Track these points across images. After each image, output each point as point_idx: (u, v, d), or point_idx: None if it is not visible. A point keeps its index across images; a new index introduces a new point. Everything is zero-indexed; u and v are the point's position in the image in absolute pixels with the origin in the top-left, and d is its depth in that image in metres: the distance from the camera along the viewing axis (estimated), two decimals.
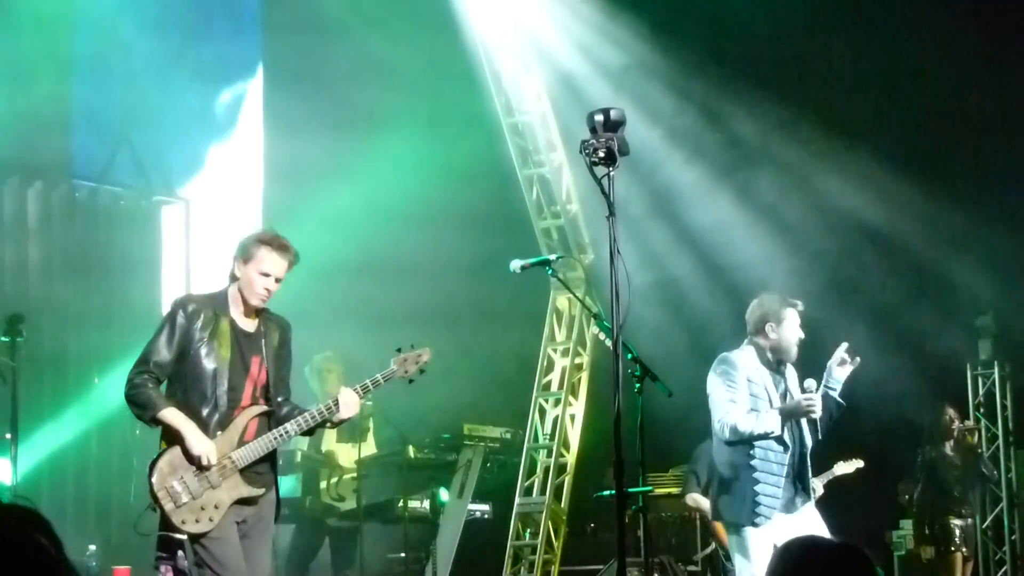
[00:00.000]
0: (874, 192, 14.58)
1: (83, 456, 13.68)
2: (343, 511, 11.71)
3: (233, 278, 7.39)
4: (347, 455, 11.76)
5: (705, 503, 11.31)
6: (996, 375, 15.07)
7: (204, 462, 7.05)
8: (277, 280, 7.34)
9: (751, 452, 8.42)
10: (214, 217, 15.07)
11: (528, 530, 14.71)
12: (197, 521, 7.06)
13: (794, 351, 8.62)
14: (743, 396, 8.47)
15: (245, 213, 15.15)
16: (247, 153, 15.64)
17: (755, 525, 8.35)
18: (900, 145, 14.81)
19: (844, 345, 8.61)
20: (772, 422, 8.33)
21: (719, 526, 10.84)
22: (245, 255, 7.32)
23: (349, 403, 7.39)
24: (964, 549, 12.65)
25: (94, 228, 14.45)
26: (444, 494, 12.28)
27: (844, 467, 12.08)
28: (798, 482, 8.55)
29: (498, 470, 13.23)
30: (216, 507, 7.11)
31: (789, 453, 8.48)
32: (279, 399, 7.45)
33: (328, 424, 7.65)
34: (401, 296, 14.07)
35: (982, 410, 15.10)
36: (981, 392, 15.18)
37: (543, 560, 14.48)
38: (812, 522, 8.47)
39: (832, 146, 14.76)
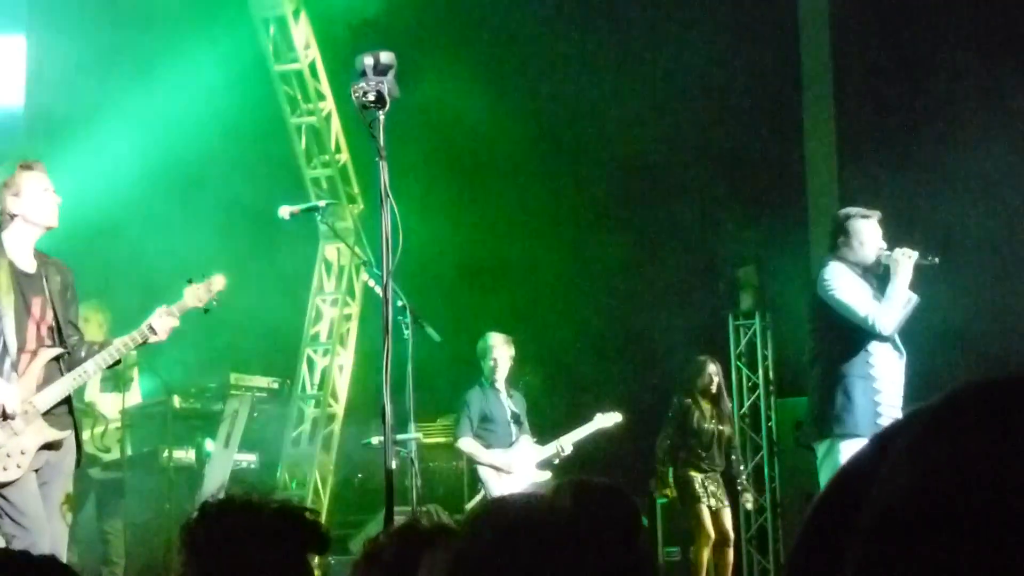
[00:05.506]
0: (639, 143, 14.79)
1: None
2: (107, 461, 11.52)
3: (7, 222, 7.29)
4: (111, 405, 11.56)
5: (476, 448, 11.29)
6: (757, 325, 15.36)
7: (10, 411, 6.96)
8: (54, 191, 7.37)
9: (869, 361, 8.15)
10: None
11: (295, 480, 14.68)
12: (5, 469, 6.94)
13: (872, 257, 8.32)
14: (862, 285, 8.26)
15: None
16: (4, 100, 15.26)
17: None
18: (647, 91, 15.07)
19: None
20: (901, 289, 8.12)
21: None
22: (13, 190, 7.24)
23: (166, 327, 7.31)
24: (711, 501, 12.54)
25: None
26: (210, 444, 12.13)
27: (603, 419, 11.88)
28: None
29: (266, 420, 13.13)
30: (23, 453, 7.01)
31: (904, 362, 8.24)
32: (71, 341, 7.39)
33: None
34: (166, 246, 13.80)
35: (743, 360, 15.41)
36: (743, 342, 15.48)
37: None
38: None
39: (579, 84, 14.97)
